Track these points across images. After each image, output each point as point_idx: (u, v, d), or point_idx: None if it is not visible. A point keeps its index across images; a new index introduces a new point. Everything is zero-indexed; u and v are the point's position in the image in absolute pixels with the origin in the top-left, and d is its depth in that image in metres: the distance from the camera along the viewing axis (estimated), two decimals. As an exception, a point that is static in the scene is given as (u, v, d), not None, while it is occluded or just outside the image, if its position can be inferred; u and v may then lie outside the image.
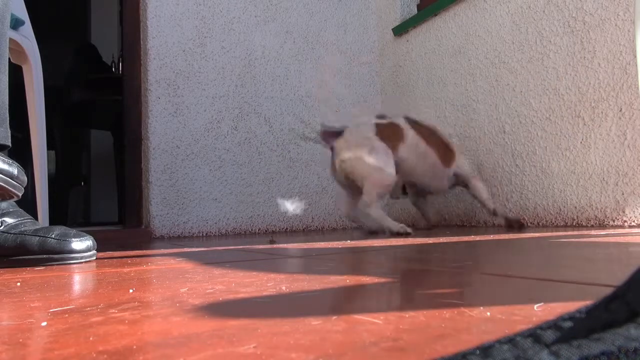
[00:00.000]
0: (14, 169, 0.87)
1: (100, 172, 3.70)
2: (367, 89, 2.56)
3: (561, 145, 1.68)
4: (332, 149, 1.70)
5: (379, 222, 1.59)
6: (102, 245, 1.14)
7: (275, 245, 1.30)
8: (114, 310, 0.45)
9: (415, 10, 2.47)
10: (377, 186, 1.61)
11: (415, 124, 1.76)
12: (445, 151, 1.78)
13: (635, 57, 1.27)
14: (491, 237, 1.32)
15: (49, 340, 0.35)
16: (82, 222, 3.40)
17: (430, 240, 1.26)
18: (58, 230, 0.96)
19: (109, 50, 3.56)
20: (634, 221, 1.47)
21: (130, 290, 0.57)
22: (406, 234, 1.52)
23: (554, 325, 0.19)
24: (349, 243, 1.32)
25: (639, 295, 0.19)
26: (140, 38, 2.14)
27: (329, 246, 1.24)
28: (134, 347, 0.32)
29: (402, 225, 1.56)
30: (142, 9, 2.13)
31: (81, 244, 0.95)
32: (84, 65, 2.98)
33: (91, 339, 0.35)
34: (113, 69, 3.33)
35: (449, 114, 2.16)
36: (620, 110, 1.51)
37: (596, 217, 1.57)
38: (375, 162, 1.61)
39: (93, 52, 3.12)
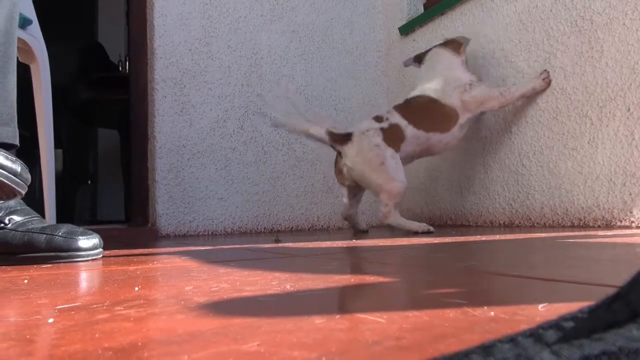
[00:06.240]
0: (18, 167, 0.87)
1: (106, 171, 3.72)
2: (373, 88, 2.56)
3: (568, 145, 1.67)
4: (339, 153, 1.71)
5: (401, 228, 1.65)
6: (108, 243, 1.15)
7: (280, 245, 1.30)
8: (119, 308, 0.45)
9: (421, 10, 2.46)
10: (393, 197, 1.66)
11: (407, 110, 1.76)
12: (444, 116, 1.77)
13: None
14: (497, 237, 1.31)
15: (56, 337, 0.36)
16: (89, 220, 3.43)
17: (436, 240, 1.26)
18: (65, 228, 0.97)
19: (115, 49, 3.58)
20: (641, 222, 1.46)
21: (136, 288, 0.58)
22: (429, 232, 1.58)
23: (555, 325, 0.19)
24: (354, 242, 1.32)
25: (641, 296, 0.19)
26: (147, 37, 2.15)
27: (334, 245, 1.24)
28: (139, 343, 0.33)
29: (423, 224, 1.62)
30: (149, 8, 2.14)
31: (88, 241, 0.96)
32: (91, 64, 3.00)
33: (97, 335, 0.35)
34: (120, 68, 3.35)
35: (455, 114, 2.15)
36: (628, 110, 1.50)
37: (603, 217, 1.56)
38: (387, 174, 1.65)
39: (100, 51, 3.14)
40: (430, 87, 1.81)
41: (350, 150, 1.67)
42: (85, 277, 0.75)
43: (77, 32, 3.74)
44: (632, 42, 1.48)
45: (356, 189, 1.79)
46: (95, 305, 0.47)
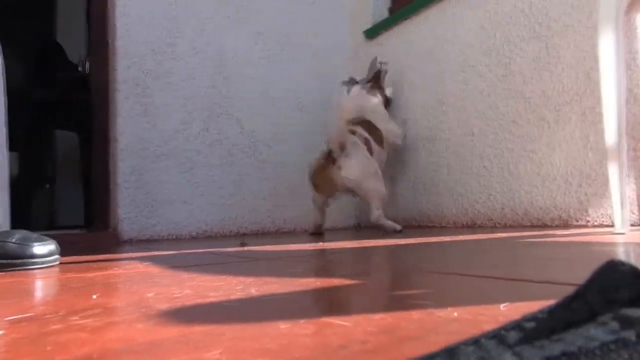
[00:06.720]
0: None
1: (65, 174, 3.59)
2: (339, 91, 2.56)
3: (527, 148, 1.73)
4: (333, 162, 1.84)
5: (385, 228, 1.85)
6: (66, 249, 1.11)
7: (246, 248, 1.28)
8: (75, 318, 0.43)
9: (387, 14, 2.49)
10: (381, 201, 1.88)
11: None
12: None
13: (598, 62, 1.31)
14: (459, 237, 1.34)
15: (3, 350, 0.34)
16: (47, 225, 3.30)
17: (401, 242, 1.27)
18: (19, 234, 0.93)
19: (75, 48, 3.46)
20: (596, 221, 1.52)
21: (94, 296, 0.55)
22: (399, 232, 1.79)
23: (517, 326, 0.19)
24: (320, 245, 1.32)
25: (599, 295, 0.19)
26: (108, 36, 2.09)
27: (300, 248, 1.23)
28: (95, 355, 0.31)
29: (397, 225, 1.85)
30: (110, 7, 2.09)
31: (43, 248, 0.92)
32: (49, 64, 2.90)
33: (49, 348, 0.33)
34: (79, 68, 3.25)
35: (419, 116, 2.18)
36: (584, 114, 1.55)
37: (560, 217, 1.61)
38: (378, 184, 1.89)
39: (59, 50, 3.04)
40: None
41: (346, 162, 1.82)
42: (40, 285, 0.72)
43: (34, 30, 3.60)
44: (587, 49, 1.54)
45: (331, 199, 1.95)
46: (48, 316, 0.45)
